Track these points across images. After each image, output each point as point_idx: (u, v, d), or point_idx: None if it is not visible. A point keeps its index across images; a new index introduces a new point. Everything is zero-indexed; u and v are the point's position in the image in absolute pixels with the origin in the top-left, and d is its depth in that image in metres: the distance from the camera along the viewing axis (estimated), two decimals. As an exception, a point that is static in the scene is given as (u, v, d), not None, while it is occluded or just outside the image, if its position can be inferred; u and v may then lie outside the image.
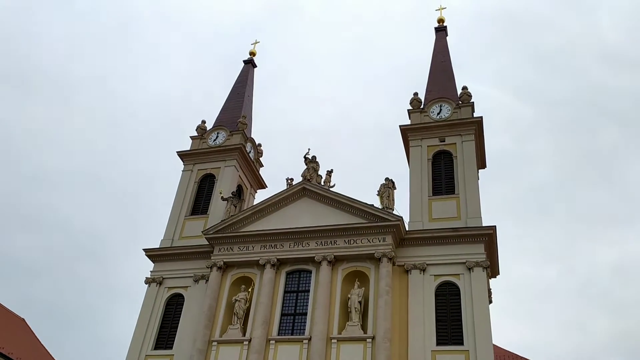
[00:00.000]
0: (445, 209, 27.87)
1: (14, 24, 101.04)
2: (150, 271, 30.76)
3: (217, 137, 36.01)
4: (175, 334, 28.14)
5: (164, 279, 30.15)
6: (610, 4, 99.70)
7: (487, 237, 26.06)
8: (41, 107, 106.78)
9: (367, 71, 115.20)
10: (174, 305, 29.36)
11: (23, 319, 44.57)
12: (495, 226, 26.09)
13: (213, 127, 36.84)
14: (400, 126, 31.41)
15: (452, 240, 26.29)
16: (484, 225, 26.37)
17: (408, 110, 32.32)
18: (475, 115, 30.87)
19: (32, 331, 43.93)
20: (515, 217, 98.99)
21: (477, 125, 30.21)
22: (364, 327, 24.98)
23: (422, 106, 32.30)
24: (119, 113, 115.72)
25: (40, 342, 43.31)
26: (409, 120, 31.93)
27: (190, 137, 36.54)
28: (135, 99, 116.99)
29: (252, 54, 43.63)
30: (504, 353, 37.65)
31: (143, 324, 28.83)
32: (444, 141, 30.31)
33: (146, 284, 30.34)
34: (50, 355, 42.50)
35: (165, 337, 28.39)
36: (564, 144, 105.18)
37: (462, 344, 23.71)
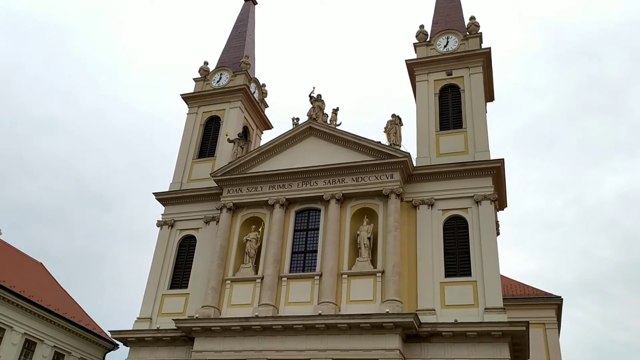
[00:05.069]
0: (452, 143, 27.70)
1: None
2: (162, 214, 31.19)
3: (220, 78, 35.45)
4: (189, 274, 28.84)
5: (175, 221, 30.59)
6: None
7: (495, 171, 26.02)
8: (41, 52, 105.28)
9: (372, 4, 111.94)
10: (186, 247, 29.94)
11: (41, 264, 45.80)
12: (503, 159, 26.00)
13: (216, 68, 36.21)
14: (406, 61, 30.75)
15: (460, 175, 26.29)
16: (491, 158, 26.29)
17: (414, 44, 31.53)
18: (483, 46, 30.10)
19: (50, 275, 45.23)
20: (523, 149, 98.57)
21: (485, 57, 29.48)
22: (373, 262, 25.45)
23: (428, 39, 31.47)
24: (119, 56, 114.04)
25: (59, 284, 44.66)
26: (415, 55, 31.23)
27: (194, 79, 36.03)
28: (135, 42, 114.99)
29: (252, -10, 42.15)
30: (511, 283, 38.61)
31: (158, 265, 29.54)
32: (451, 75, 29.71)
33: (158, 226, 30.82)
34: (70, 296, 43.91)
35: (180, 277, 29.13)
36: (571, 73, 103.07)
37: (470, 275, 24.18)
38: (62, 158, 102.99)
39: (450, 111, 28.88)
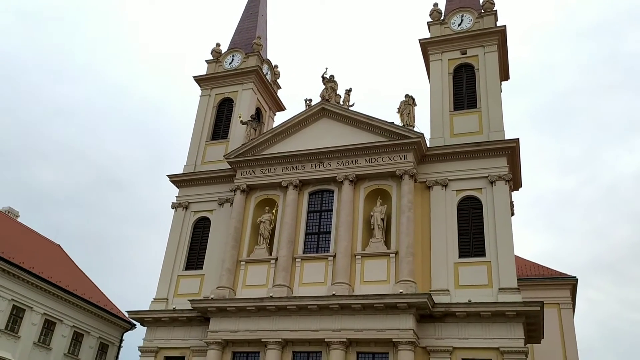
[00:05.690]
0: (467, 123, 27.43)
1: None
2: (176, 196, 31.40)
3: (232, 59, 35.33)
4: (204, 255, 29.12)
5: (189, 203, 30.80)
6: None
7: (510, 151, 25.77)
8: (53, 39, 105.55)
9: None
10: (201, 229, 30.17)
11: (59, 245, 46.47)
12: (518, 139, 25.71)
13: (228, 49, 36.07)
14: (419, 40, 30.37)
15: (474, 155, 26.07)
16: (506, 138, 26.01)
17: (428, 22, 31.10)
18: (498, 24, 29.59)
19: (68, 256, 45.88)
20: (539, 129, 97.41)
21: (500, 35, 29.02)
22: (387, 243, 25.47)
23: (442, 17, 31.00)
24: (130, 41, 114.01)
25: (77, 266, 45.31)
26: (429, 34, 30.81)
27: (206, 60, 35.94)
28: (147, 27, 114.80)
29: (263, -31, 41.67)
30: (525, 263, 38.46)
31: (173, 246, 29.84)
32: (466, 53, 29.33)
33: (173, 208, 31.06)
34: (88, 277, 44.57)
35: (195, 258, 29.42)
36: (587, 50, 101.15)
37: (484, 255, 24.12)
38: (77, 143, 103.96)
39: (464, 91, 28.56)
